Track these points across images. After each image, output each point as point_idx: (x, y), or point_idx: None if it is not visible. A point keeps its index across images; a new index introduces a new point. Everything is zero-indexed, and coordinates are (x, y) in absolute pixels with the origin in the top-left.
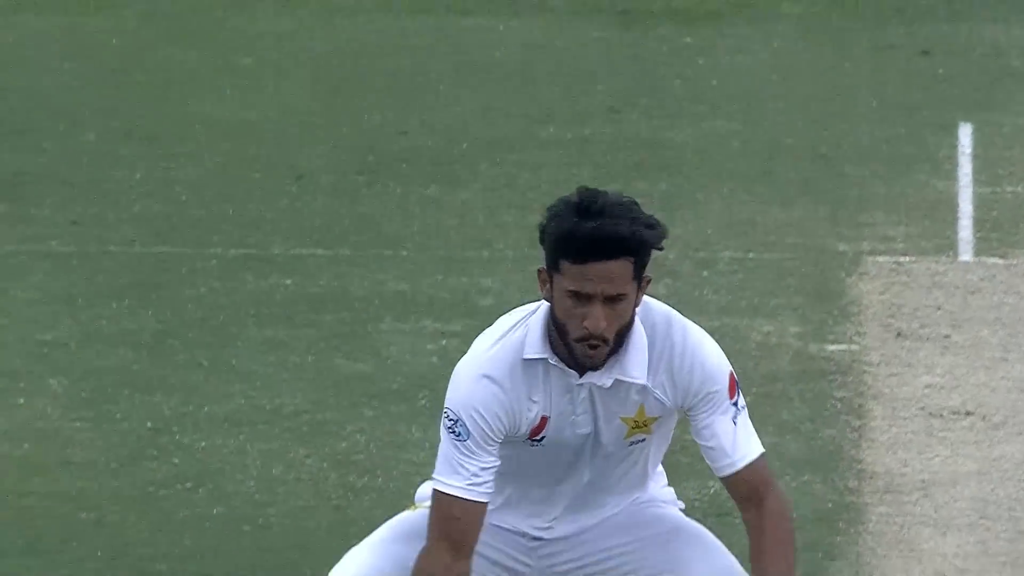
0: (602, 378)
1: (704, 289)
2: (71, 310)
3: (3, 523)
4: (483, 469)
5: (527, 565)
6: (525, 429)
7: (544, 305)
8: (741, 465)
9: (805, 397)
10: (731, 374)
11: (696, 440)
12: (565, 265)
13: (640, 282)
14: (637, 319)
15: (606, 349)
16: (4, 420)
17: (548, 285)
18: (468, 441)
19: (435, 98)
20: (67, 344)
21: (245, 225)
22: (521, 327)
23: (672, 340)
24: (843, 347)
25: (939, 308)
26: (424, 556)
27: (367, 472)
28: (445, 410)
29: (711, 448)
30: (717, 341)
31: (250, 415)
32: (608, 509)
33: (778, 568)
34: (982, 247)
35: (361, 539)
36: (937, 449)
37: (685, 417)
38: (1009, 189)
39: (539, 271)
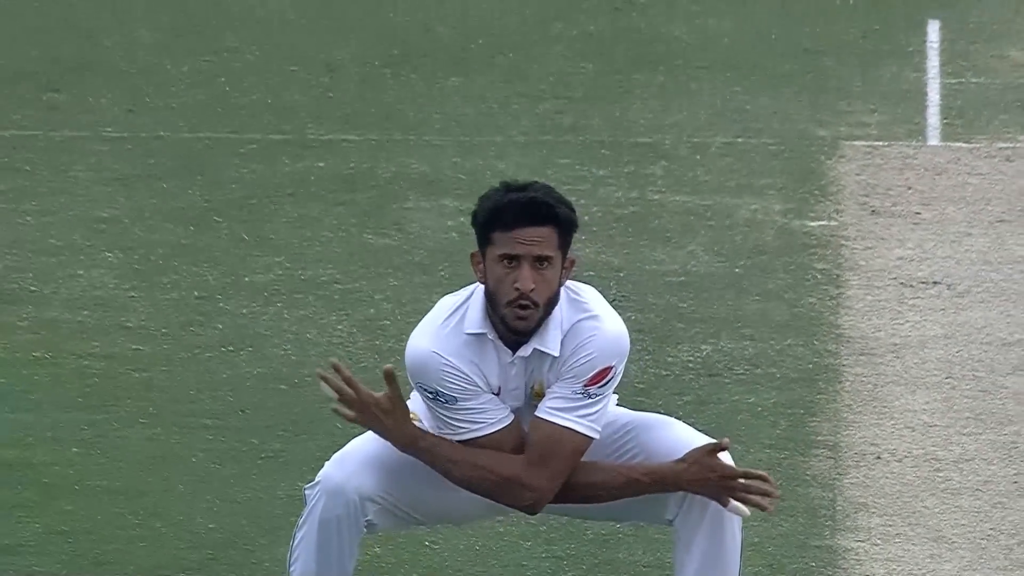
0: (525, 349)
1: (697, 170)
2: (126, 190)
3: (63, 381)
4: (487, 404)
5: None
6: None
7: (479, 287)
8: (542, 416)
9: (788, 268)
10: (604, 369)
11: None
12: (496, 235)
13: (564, 257)
14: (561, 302)
15: (536, 314)
16: (65, 289)
17: (481, 264)
18: (459, 402)
19: None
20: (122, 220)
21: (282, 112)
22: (462, 307)
23: (581, 329)
24: (823, 223)
25: (909, 188)
26: (527, 481)
27: (392, 336)
28: (419, 389)
29: (542, 404)
30: (708, 220)
31: (287, 284)
32: None
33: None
34: (948, 132)
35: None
36: (907, 315)
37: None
38: (973, 80)
39: (472, 255)
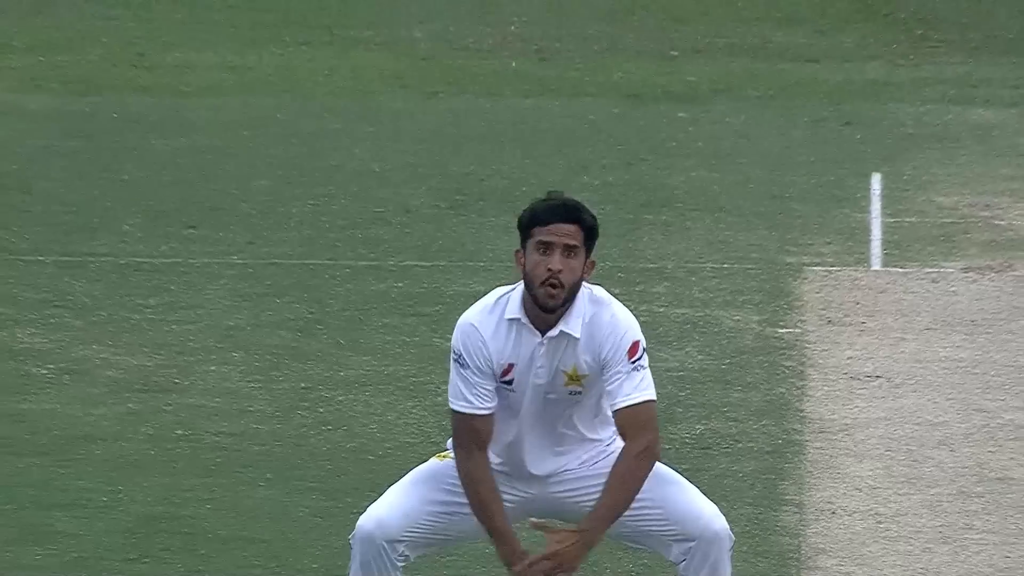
0: (552, 331)
1: (692, 289)
2: (248, 304)
3: (200, 453)
4: (485, 390)
5: (530, 493)
6: (498, 371)
7: (522, 284)
8: (621, 404)
9: (763, 365)
10: (635, 343)
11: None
12: (535, 230)
13: (588, 255)
14: (583, 293)
15: (563, 293)
16: (201, 382)
17: (522, 258)
18: (470, 369)
19: (504, 155)
20: (245, 328)
21: (369, 244)
22: (506, 297)
23: (600, 317)
24: (790, 330)
25: (857, 303)
26: (461, 461)
27: None
28: (452, 351)
29: (608, 391)
30: (700, 328)
31: (373, 378)
32: (569, 444)
33: (612, 497)
34: (888, 260)
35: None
36: (856, 402)
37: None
38: (907, 220)
39: (516, 252)
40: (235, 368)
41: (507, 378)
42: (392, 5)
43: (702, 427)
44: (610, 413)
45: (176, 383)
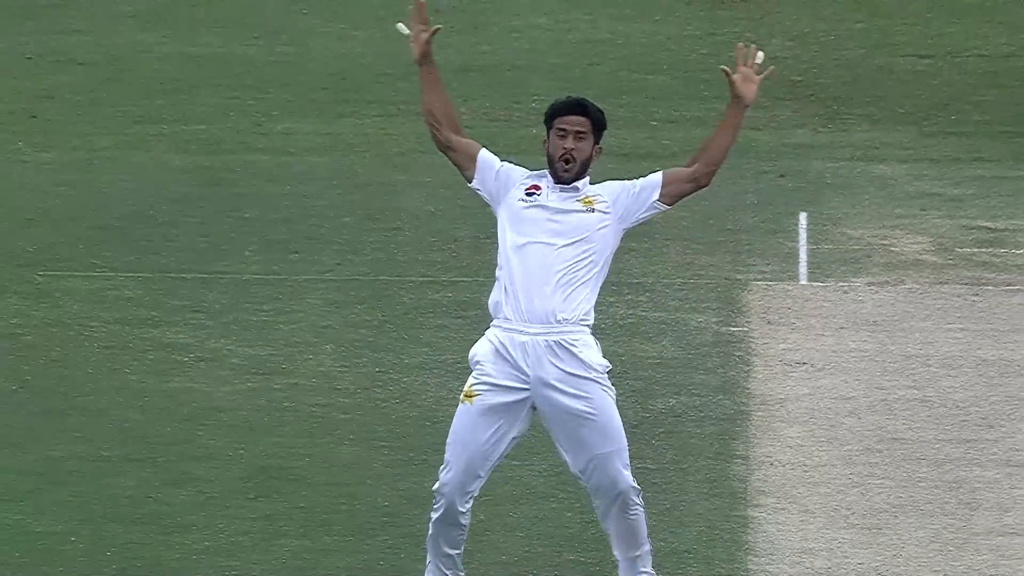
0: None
1: (667, 298)
2: (336, 309)
3: (298, 421)
4: (489, 158)
5: (526, 375)
6: (525, 183)
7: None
8: (663, 173)
9: (719, 355)
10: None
11: (652, 200)
12: (555, 120)
13: (596, 142)
14: (587, 177)
15: (575, 167)
16: (302, 367)
17: (546, 140)
18: (507, 165)
19: None
20: (334, 327)
21: (426, 264)
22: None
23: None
24: (739, 329)
25: (789, 308)
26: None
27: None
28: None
29: (649, 189)
30: (672, 327)
31: (429, 364)
32: (556, 296)
33: (719, 136)
34: (812, 276)
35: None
36: (788, 383)
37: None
38: (825, 246)
39: (543, 141)
40: (327, 356)
41: (533, 192)
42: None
43: (674, 401)
44: (679, 184)
45: (283, 368)
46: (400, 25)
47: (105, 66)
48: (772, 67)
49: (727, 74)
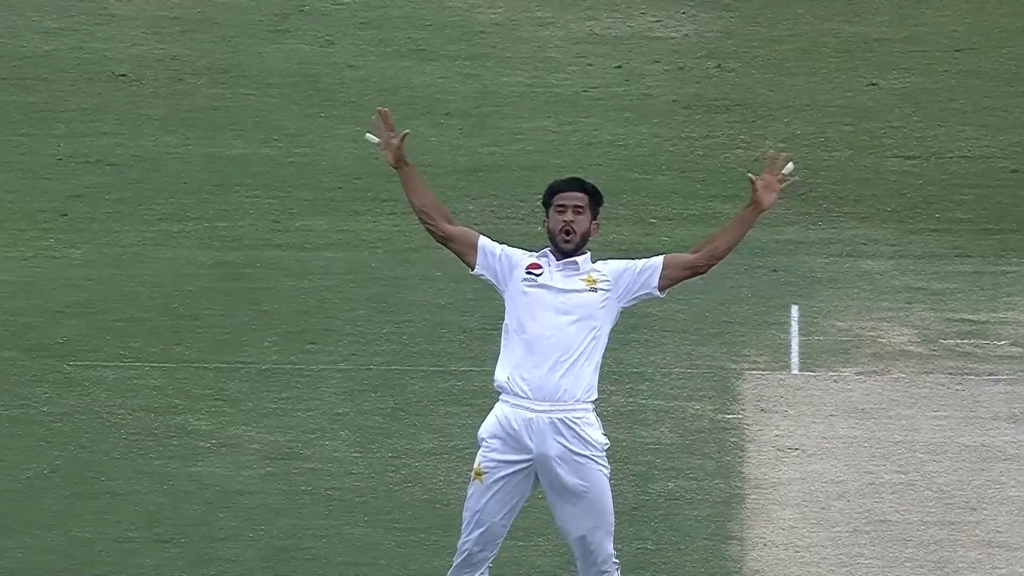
0: (566, 260)
1: (665, 386)
2: (351, 397)
3: (315, 503)
4: (490, 244)
5: (530, 449)
6: (527, 263)
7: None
8: (663, 258)
9: (715, 441)
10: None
11: (651, 286)
12: (554, 198)
13: (594, 217)
14: (587, 252)
15: (575, 239)
16: (318, 452)
17: (546, 219)
18: (509, 248)
19: None
20: (349, 414)
21: (436, 355)
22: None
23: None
24: (734, 416)
25: (782, 397)
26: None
27: None
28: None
29: (649, 271)
30: (671, 414)
31: (439, 450)
32: (562, 374)
33: (728, 232)
34: (803, 366)
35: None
36: (781, 467)
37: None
38: (816, 338)
39: (544, 222)
40: (342, 442)
41: (535, 272)
42: (448, 188)
43: (672, 484)
44: (669, 276)
45: (301, 453)
46: (368, 135)
47: (132, 167)
48: (796, 177)
49: (752, 180)
